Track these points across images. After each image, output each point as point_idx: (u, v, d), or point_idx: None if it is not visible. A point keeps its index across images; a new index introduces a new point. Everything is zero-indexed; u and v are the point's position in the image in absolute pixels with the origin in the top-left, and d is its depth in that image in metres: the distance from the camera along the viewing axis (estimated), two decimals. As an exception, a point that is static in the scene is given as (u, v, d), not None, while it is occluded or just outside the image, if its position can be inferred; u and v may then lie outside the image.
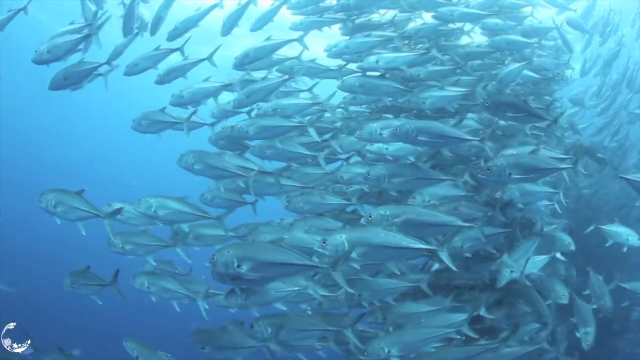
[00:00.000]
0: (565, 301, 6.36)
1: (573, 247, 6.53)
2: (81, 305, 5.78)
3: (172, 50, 6.61)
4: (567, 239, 6.53)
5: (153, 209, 5.24)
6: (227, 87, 6.32)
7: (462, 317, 5.23)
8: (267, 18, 7.28)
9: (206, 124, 6.42)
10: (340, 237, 4.35)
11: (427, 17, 7.09)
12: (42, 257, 20.79)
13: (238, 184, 5.85)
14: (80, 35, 5.87)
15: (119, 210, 5.27)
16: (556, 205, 6.26)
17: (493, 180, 5.32)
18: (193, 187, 6.20)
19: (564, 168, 5.52)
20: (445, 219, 4.87)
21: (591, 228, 7.02)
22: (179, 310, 5.51)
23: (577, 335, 6.41)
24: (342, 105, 6.84)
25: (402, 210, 4.86)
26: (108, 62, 6.09)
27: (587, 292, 6.75)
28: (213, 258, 4.16)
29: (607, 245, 6.94)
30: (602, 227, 6.95)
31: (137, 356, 5.22)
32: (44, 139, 30.34)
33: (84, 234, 5.11)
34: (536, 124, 6.13)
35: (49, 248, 20.32)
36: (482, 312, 5.51)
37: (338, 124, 6.57)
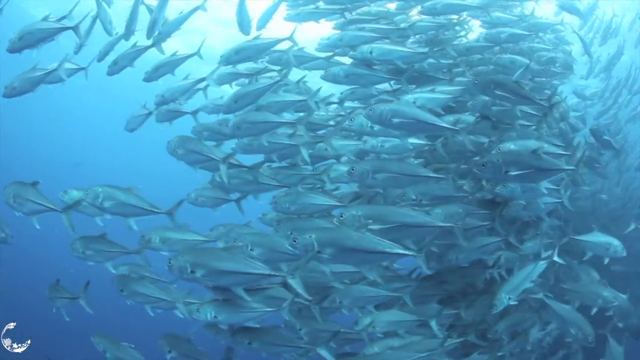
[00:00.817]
0: (616, 303, 6.04)
1: (625, 252, 6.12)
2: (79, 307, 5.69)
3: (148, 47, 6.47)
4: (620, 244, 6.10)
5: (100, 200, 4.98)
6: (201, 81, 6.20)
7: (435, 343, 5.03)
8: (268, 16, 7.24)
9: (188, 113, 6.28)
10: (310, 237, 4.07)
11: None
12: (40, 258, 20.58)
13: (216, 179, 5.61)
14: (57, 26, 5.70)
15: (78, 203, 5.00)
16: (565, 202, 5.95)
17: (487, 177, 5.07)
18: (188, 188, 6.05)
19: (566, 169, 5.26)
20: (424, 219, 4.59)
21: (632, 228, 6.65)
22: (152, 314, 5.33)
23: None
24: (335, 100, 6.60)
25: (376, 210, 4.58)
26: (58, 68, 5.89)
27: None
28: (170, 262, 4.06)
29: None
30: None
31: (104, 350, 5.25)
32: (42, 139, 30.30)
33: (37, 227, 4.90)
34: (537, 116, 5.82)
35: (44, 248, 20.12)
36: (472, 338, 5.41)
37: (331, 122, 6.32)
